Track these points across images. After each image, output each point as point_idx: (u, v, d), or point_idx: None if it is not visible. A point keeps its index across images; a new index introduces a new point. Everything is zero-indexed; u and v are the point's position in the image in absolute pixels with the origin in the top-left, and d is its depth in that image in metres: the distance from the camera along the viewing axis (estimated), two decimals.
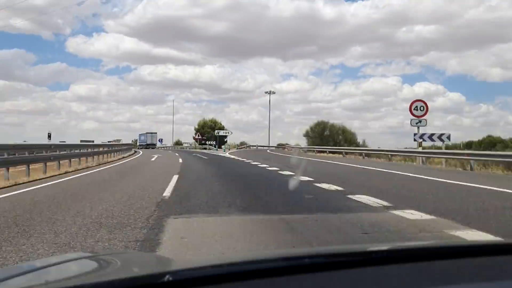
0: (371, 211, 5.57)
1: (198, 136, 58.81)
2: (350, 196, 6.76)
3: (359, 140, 48.24)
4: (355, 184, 9.14)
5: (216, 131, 55.50)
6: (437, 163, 18.58)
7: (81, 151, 17.23)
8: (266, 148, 52.60)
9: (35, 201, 6.47)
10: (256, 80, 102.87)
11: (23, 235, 4.05)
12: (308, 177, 9.90)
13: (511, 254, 1.05)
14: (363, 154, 26.53)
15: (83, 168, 14.36)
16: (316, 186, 8.36)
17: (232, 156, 26.66)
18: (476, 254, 1.05)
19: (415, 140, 20.04)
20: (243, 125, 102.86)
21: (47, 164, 12.38)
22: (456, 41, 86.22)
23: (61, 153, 14.27)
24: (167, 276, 0.78)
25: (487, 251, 1.08)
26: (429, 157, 19.02)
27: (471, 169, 14.85)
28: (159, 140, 67.27)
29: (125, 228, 4.41)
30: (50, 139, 31.10)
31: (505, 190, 7.95)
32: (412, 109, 20.11)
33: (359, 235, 4.17)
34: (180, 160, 20.68)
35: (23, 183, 9.29)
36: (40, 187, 8.56)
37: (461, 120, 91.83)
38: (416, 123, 19.97)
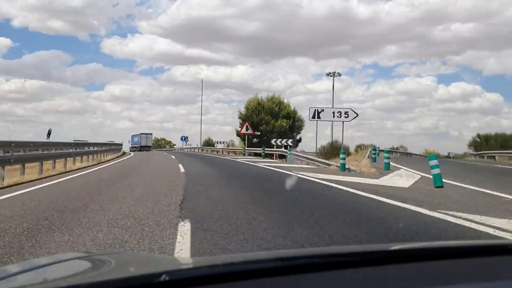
0: None
1: (247, 128, 31.77)
2: None
3: None
4: None
5: (280, 120, 37.22)
6: None
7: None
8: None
9: None
10: (287, 80, 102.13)
11: None
12: None
13: (510, 255, 1.05)
14: None
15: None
16: None
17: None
18: (476, 254, 1.05)
19: None
20: None
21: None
22: (494, 39, 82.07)
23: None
24: (163, 276, 0.77)
25: (486, 251, 1.08)
26: None
27: None
28: (182, 138, 54.48)
29: None
30: (49, 137, 29.36)
31: None
32: None
33: None
34: None
35: None
36: None
37: (499, 121, 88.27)
38: None
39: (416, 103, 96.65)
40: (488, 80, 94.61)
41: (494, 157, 27.14)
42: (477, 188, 8.47)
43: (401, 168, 14.60)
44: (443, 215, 5.18)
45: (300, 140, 37.19)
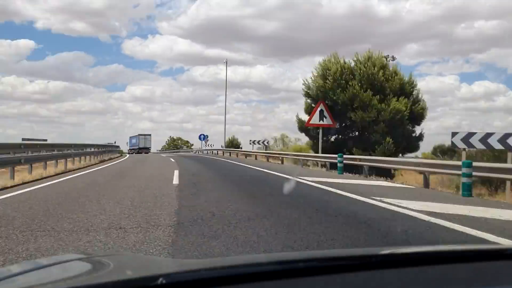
0: None
1: (321, 115, 17.22)
2: None
3: None
4: None
5: (393, 100, 17.93)
6: None
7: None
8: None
9: None
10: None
11: None
12: None
13: (508, 259, 1.05)
14: None
15: None
16: None
17: None
18: (474, 259, 1.04)
19: None
20: (292, 125, 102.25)
21: None
22: None
23: None
24: (160, 279, 0.77)
25: (484, 256, 1.08)
26: None
27: None
28: (200, 137, 43.81)
29: None
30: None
31: None
32: None
33: None
34: None
35: None
36: None
37: None
38: None
39: (438, 102, 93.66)
40: None
41: None
42: None
43: None
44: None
45: (420, 137, 20.09)
